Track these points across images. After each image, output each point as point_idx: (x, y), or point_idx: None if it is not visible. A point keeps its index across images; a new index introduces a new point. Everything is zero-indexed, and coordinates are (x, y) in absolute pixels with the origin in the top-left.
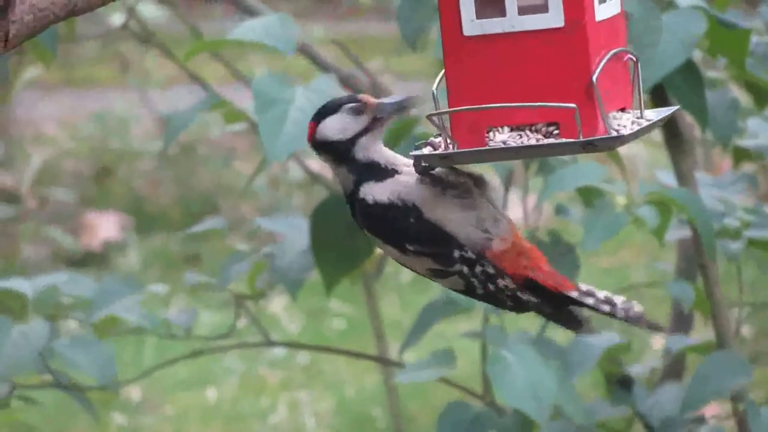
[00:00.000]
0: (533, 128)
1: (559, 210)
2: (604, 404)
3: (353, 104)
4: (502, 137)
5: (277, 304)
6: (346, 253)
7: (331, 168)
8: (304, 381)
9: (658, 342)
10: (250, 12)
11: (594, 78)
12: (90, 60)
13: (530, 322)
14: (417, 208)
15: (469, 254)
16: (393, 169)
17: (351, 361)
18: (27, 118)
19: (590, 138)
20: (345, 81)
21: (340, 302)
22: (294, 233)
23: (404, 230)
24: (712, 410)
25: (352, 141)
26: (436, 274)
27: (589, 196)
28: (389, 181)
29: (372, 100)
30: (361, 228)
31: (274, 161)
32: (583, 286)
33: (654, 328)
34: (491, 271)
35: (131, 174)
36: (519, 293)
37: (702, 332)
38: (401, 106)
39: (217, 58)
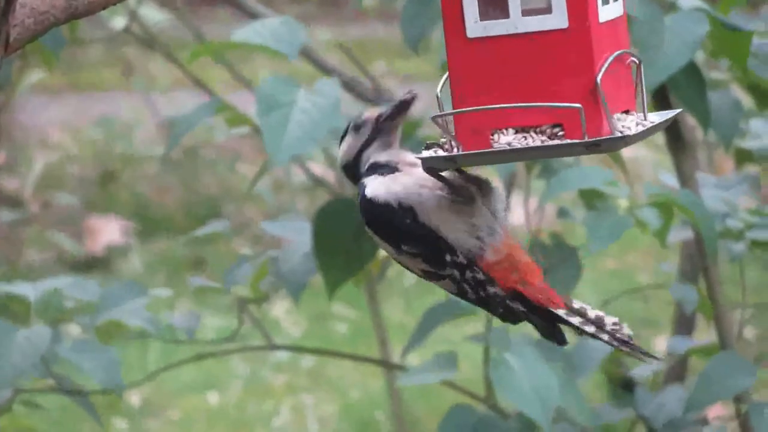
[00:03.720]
0: (538, 130)
1: (562, 213)
2: (606, 407)
3: (354, 122)
4: (506, 139)
5: (280, 308)
6: (349, 256)
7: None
8: (308, 385)
9: (661, 344)
10: (255, 16)
11: (598, 79)
12: (94, 64)
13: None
14: (412, 209)
15: (461, 259)
16: (394, 167)
17: (355, 365)
18: (31, 123)
19: (595, 139)
20: (349, 84)
21: (343, 306)
22: (298, 237)
23: (399, 230)
24: (715, 412)
25: (357, 158)
26: (429, 276)
27: (591, 198)
28: (388, 178)
29: (371, 112)
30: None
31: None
32: (576, 304)
33: (641, 354)
34: (481, 277)
35: (135, 178)
36: (509, 302)
37: (705, 334)
38: (399, 107)
39: (221, 62)
